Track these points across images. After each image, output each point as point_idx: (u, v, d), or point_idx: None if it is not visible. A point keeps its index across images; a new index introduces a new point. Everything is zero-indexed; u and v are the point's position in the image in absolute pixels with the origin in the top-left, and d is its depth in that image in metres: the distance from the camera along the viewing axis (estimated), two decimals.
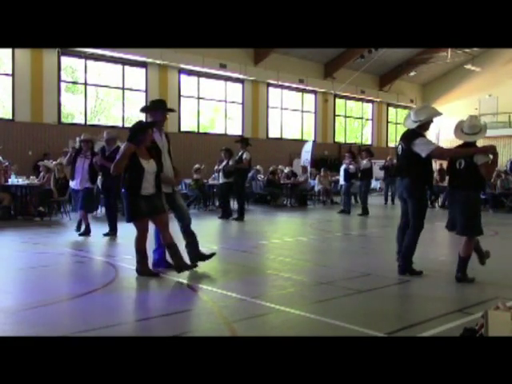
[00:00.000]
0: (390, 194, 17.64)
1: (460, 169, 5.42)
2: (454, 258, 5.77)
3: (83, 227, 8.60)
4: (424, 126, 5.69)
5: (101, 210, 11.65)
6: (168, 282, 5.49)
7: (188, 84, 20.23)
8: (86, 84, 17.79)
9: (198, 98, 20.59)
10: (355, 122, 27.89)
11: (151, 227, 5.74)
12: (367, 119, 28.09)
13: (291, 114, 24.20)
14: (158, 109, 5.97)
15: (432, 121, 5.76)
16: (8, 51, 15.73)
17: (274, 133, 23.19)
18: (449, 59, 25.59)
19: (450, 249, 7.26)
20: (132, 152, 5.37)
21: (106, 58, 17.73)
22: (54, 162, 12.09)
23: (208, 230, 10.83)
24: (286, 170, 17.52)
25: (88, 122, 17.83)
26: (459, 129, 5.53)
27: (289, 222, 12.72)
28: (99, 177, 9.21)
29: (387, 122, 28.94)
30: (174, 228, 6.01)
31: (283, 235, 9.79)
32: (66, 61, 17.31)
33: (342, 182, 14.17)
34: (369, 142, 27.73)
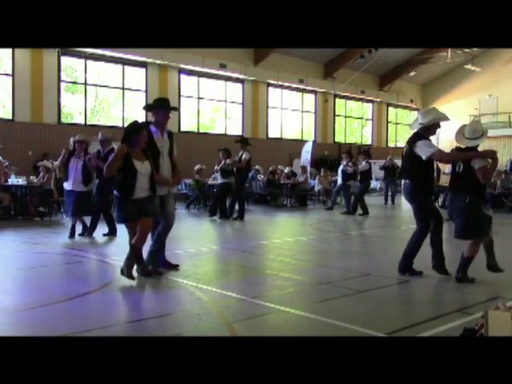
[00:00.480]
0: (389, 193, 17.64)
1: (459, 172, 5.44)
2: (454, 258, 5.77)
3: (80, 229, 8.57)
4: (429, 128, 5.68)
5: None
6: (167, 282, 5.48)
7: (188, 84, 20.23)
8: (85, 84, 17.79)
9: (198, 98, 20.59)
10: (355, 122, 27.88)
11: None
12: (367, 119, 28.09)
13: (291, 114, 24.19)
14: (159, 108, 5.80)
15: (439, 125, 5.74)
16: (8, 51, 15.73)
17: (273, 133, 23.19)
18: (449, 59, 25.59)
19: (451, 249, 7.26)
20: (125, 153, 5.23)
21: (106, 57, 17.73)
22: (55, 163, 12.07)
23: (208, 230, 10.83)
24: (286, 170, 17.52)
25: (88, 122, 17.83)
26: (461, 133, 5.54)
27: (289, 222, 12.72)
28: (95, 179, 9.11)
29: (387, 122, 28.94)
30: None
31: (283, 235, 9.79)
32: (66, 61, 17.30)
33: (339, 182, 14.25)
34: (369, 142, 27.74)
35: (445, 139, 22.57)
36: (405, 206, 14.35)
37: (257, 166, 16.61)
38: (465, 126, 5.62)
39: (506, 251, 7.60)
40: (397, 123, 29.68)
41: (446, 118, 5.78)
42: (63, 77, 17.33)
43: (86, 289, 5.11)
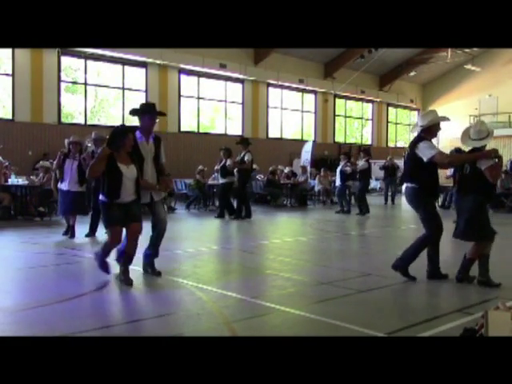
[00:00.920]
0: (389, 193, 17.65)
1: (466, 174, 5.43)
2: (454, 258, 5.77)
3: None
4: (430, 130, 5.64)
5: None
6: (167, 282, 5.48)
7: (188, 84, 20.23)
8: (85, 84, 17.78)
9: (198, 98, 20.59)
10: (355, 122, 27.88)
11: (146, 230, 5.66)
12: (367, 119, 28.09)
13: (291, 114, 24.19)
14: (145, 113, 5.58)
15: (439, 127, 5.72)
16: (8, 51, 15.72)
17: (273, 133, 23.19)
18: (449, 59, 25.58)
19: (451, 249, 7.25)
20: (107, 155, 5.09)
21: (106, 57, 17.73)
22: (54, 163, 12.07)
23: (208, 230, 10.84)
24: (286, 169, 17.53)
25: (88, 122, 17.83)
26: (466, 135, 5.51)
27: (289, 221, 12.73)
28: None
29: (387, 122, 28.93)
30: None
31: (283, 235, 9.79)
32: (65, 61, 17.30)
33: (338, 183, 14.22)
34: (369, 142, 27.73)
35: (445, 139, 22.60)
36: (405, 206, 14.34)
37: (254, 166, 16.60)
38: (470, 127, 5.58)
39: (506, 251, 7.60)
40: (397, 123, 29.69)
41: (445, 119, 5.77)
42: (63, 77, 17.32)
43: (85, 289, 5.11)
